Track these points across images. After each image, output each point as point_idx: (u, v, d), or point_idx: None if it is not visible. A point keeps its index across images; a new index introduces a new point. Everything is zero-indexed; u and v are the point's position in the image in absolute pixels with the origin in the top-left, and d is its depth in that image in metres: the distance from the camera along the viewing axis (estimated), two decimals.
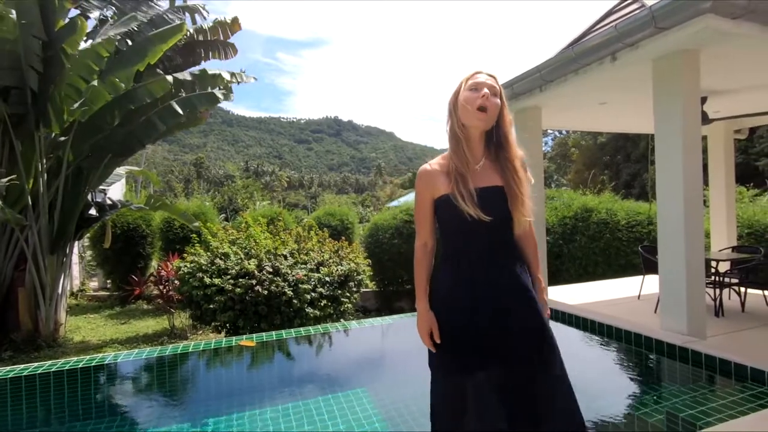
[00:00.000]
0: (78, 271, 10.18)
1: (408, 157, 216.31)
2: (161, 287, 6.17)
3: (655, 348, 3.40)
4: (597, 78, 3.80)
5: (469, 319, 1.59)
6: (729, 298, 5.11)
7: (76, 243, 7.46)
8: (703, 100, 4.73)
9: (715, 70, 3.86)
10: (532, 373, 1.57)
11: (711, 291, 4.59)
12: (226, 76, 5.82)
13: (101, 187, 6.76)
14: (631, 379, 3.31)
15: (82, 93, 5.28)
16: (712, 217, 6.60)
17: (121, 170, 7.12)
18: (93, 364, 3.44)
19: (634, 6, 4.15)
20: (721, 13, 2.74)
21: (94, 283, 10.66)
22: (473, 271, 1.61)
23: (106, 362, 3.56)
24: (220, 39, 6.04)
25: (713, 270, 4.67)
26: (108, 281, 9.53)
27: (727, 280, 4.70)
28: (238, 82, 5.73)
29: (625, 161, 26.35)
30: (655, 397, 2.76)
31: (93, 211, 6.36)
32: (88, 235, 8.57)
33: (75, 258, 9.48)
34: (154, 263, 9.21)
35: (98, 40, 5.44)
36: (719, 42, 3.21)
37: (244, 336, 4.13)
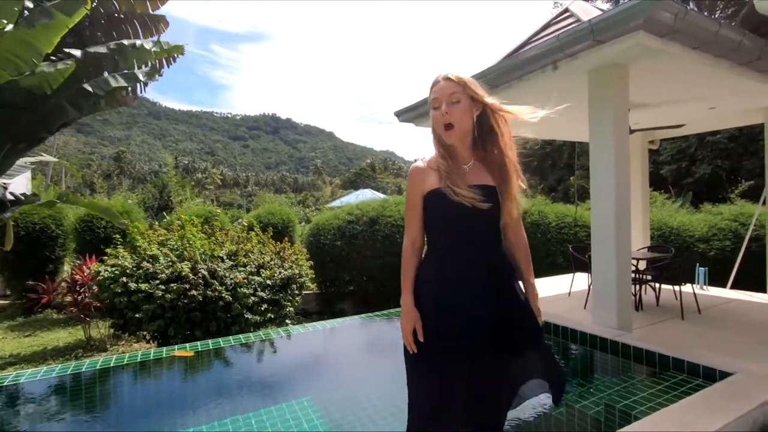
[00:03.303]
0: None
1: (348, 157, 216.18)
2: (75, 294, 5.50)
3: (589, 342, 3.61)
4: (539, 85, 3.98)
5: (452, 320, 1.57)
6: (645, 293, 5.61)
7: None
8: None
9: (637, 85, 4.21)
10: (504, 370, 1.60)
11: (632, 287, 5.00)
12: (148, 45, 5.01)
13: (1, 180, 5.87)
14: (570, 373, 3.49)
15: None
16: (631, 220, 7.24)
17: (26, 160, 6.19)
18: None
19: (571, 20, 4.41)
20: (651, 30, 2.98)
21: None
22: (458, 270, 1.59)
23: (5, 384, 3.06)
24: (148, 12, 5.28)
25: (634, 268, 5.09)
26: (7, 288, 8.37)
27: (644, 277, 5.15)
28: (167, 57, 5.01)
29: (552, 167, 28.31)
30: (591, 390, 2.92)
31: None
32: None
33: None
34: (66, 267, 8.24)
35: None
36: (646, 58, 3.49)
37: (176, 346, 3.79)
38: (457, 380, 1.54)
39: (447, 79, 1.60)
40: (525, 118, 1.65)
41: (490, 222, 1.60)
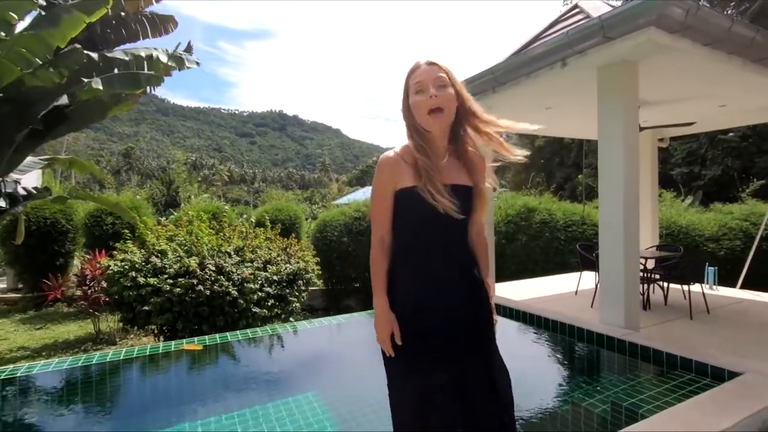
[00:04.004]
0: None
1: (354, 154, 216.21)
2: (85, 288, 5.58)
3: (596, 340, 3.59)
4: (547, 82, 3.96)
5: (429, 320, 1.53)
6: (653, 293, 5.57)
7: None
8: None
9: (647, 82, 4.16)
10: (484, 373, 1.56)
11: (640, 286, 4.96)
12: (164, 59, 5.12)
13: (13, 175, 5.95)
14: (576, 371, 3.48)
15: None
16: (640, 218, 7.17)
17: (40, 158, 6.28)
18: (1, 378, 3.01)
19: (580, 16, 4.37)
20: (663, 26, 2.94)
21: (2, 284, 9.48)
22: (434, 271, 1.54)
23: (17, 375, 3.11)
24: (156, 12, 5.32)
25: (642, 267, 5.05)
26: (20, 282, 8.51)
27: (652, 276, 5.11)
28: (179, 68, 5.08)
29: (560, 165, 28.10)
30: (598, 388, 2.91)
31: (1, 203, 5.59)
32: None
33: None
34: (76, 262, 8.36)
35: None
36: (656, 55, 3.45)
37: (185, 340, 3.83)
38: (441, 381, 1.50)
39: (431, 63, 1.49)
40: (503, 125, 1.55)
41: (464, 223, 1.55)
